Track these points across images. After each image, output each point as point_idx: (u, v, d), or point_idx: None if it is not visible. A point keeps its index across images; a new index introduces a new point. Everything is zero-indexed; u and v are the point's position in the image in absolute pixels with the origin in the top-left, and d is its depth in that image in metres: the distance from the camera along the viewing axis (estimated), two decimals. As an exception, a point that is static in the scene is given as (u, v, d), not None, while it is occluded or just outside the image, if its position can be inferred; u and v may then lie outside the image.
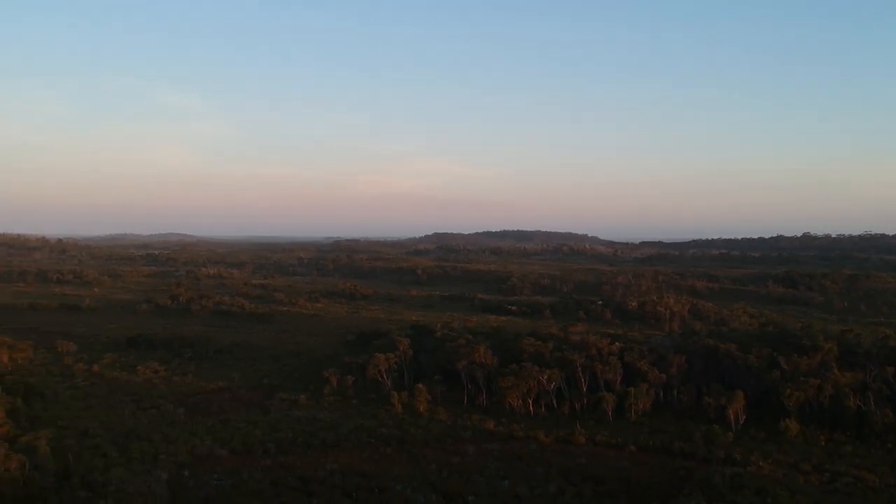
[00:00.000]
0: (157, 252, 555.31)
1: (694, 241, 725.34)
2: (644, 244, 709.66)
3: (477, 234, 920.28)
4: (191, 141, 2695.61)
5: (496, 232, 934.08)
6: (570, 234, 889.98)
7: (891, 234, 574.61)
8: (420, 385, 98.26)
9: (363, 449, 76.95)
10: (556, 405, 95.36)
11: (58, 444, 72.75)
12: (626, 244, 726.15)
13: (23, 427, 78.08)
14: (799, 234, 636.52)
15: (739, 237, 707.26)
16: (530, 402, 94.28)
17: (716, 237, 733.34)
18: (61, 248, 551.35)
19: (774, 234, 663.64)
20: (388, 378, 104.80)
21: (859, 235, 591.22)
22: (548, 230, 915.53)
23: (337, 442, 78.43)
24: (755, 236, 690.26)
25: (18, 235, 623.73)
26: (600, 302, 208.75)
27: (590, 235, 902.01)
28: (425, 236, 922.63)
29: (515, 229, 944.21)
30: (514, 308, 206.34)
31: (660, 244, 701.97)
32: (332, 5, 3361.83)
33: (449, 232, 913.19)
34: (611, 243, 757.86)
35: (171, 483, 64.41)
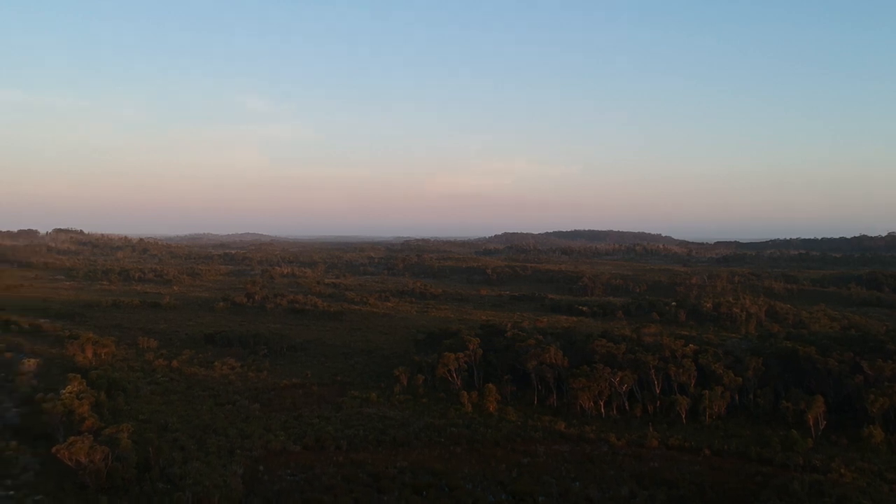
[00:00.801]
0: (233, 251, 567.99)
1: (771, 241, 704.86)
2: (719, 244, 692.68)
3: (547, 233, 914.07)
4: (266, 143, 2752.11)
5: (567, 232, 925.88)
6: (643, 233, 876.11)
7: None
8: (490, 385, 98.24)
9: (433, 447, 77.38)
10: (628, 407, 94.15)
11: (139, 437, 75.29)
12: (701, 244, 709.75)
13: (106, 420, 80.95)
14: (884, 234, 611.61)
15: (819, 237, 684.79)
16: (602, 403, 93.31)
17: (794, 237, 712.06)
18: (143, 248, 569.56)
19: (857, 234, 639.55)
20: (457, 377, 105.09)
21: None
22: (620, 230, 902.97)
23: (407, 440, 79.08)
24: (836, 236, 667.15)
25: (102, 235, 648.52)
26: (674, 303, 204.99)
27: (663, 235, 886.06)
28: (495, 236, 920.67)
29: (587, 229, 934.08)
30: (585, 308, 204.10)
31: (736, 244, 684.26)
32: (403, 8, 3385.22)
33: (519, 231, 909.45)
34: (685, 243, 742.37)
35: (246, 477, 65.97)
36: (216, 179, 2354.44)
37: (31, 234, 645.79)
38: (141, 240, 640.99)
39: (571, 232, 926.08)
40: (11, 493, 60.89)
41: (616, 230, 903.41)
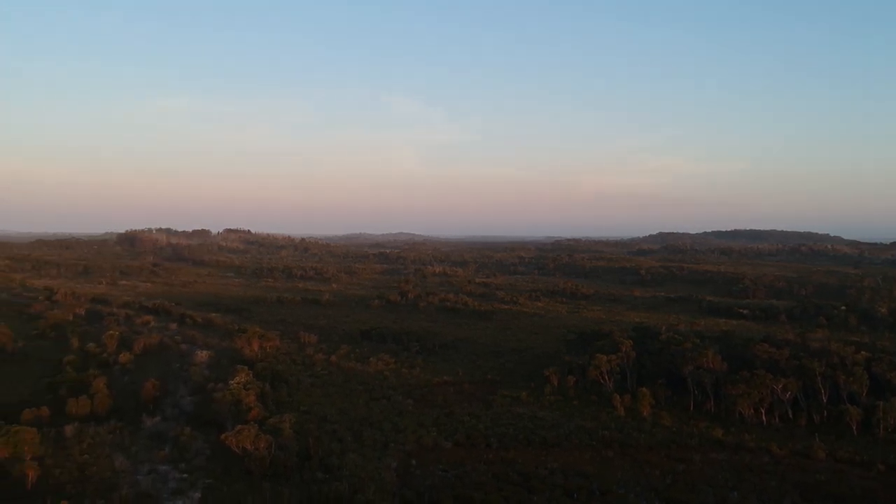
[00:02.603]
0: (387, 251, 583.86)
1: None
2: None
3: (705, 233, 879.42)
4: (421, 145, 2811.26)
5: (726, 231, 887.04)
6: (808, 233, 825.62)
7: None
8: (643, 388, 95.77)
9: (584, 450, 76.34)
10: (791, 416, 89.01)
11: (300, 427, 78.79)
12: (875, 244, 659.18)
13: (270, 410, 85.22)
14: None
15: None
16: (762, 411, 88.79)
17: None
18: (304, 247, 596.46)
19: None
20: (609, 380, 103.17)
21: None
22: (784, 229, 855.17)
23: (558, 441, 78.44)
24: None
25: (268, 235, 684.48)
26: (844, 307, 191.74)
27: (832, 235, 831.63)
28: (649, 236, 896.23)
29: (748, 228, 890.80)
30: (745, 311, 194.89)
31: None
32: (552, 10, 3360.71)
33: (675, 231, 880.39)
34: (856, 243, 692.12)
35: (399, 470, 67.61)
36: (373, 181, 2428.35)
37: (203, 233, 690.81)
38: (302, 239, 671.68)
39: (731, 231, 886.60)
40: (185, 475, 65.30)
41: (779, 230, 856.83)
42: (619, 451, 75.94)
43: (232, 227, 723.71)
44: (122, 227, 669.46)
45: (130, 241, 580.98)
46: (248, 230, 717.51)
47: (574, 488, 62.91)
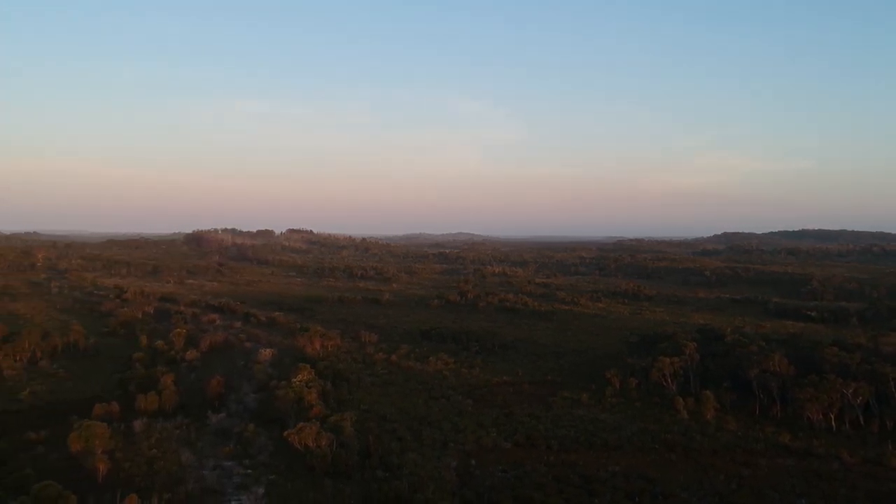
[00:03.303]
0: (447, 251, 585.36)
1: None
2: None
3: (772, 233, 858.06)
4: (481, 145, 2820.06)
5: (794, 231, 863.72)
6: (881, 233, 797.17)
7: None
8: (707, 392, 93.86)
9: (646, 453, 75.22)
10: (862, 422, 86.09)
11: (360, 425, 79.51)
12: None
13: (331, 408, 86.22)
14: None
15: None
16: (832, 416, 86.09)
17: None
18: (365, 247, 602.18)
19: None
20: (672, 382, 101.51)
21: None
22: (855, 229, 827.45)
23: (619, 443, 77.46)
24: None
25: (329, 235, 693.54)
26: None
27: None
28: (714, 236, 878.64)
29: (816, 228, 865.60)
30: (813, 314, 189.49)
31: None
32: (614, 9, 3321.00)
33: (740, 231, 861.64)
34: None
35: (459, 470, 67.64)
36: (433, 181, 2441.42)
37: (267, 234, 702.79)
38: (363, 239, 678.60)
39: (798, 231, 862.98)
40: (249, 471, 66.51)
41: (850, 229, 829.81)
42: (682, 454, 74.61)
43: (295, 228, 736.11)
44: (189, 228, 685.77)
45: (197, 241, 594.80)
46: (311, 230, 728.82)
47: (636, 491, 62.06)
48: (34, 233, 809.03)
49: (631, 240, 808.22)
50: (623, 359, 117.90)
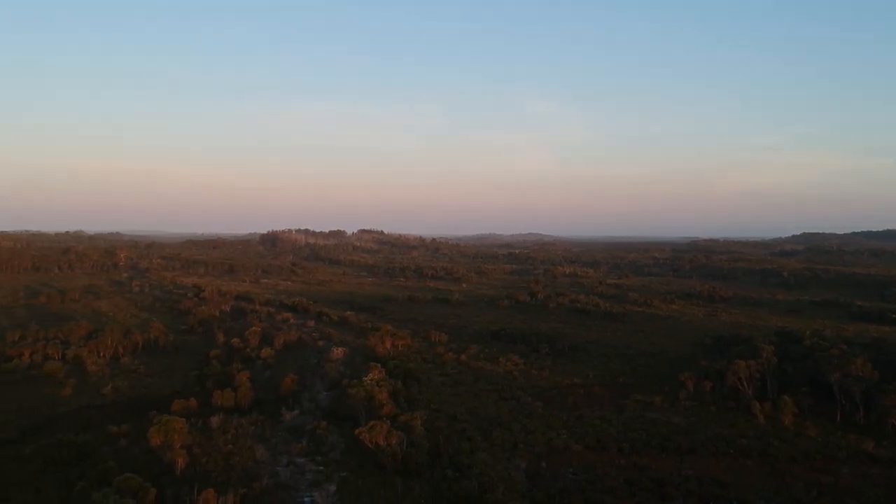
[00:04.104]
0: (517, 251, 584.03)
1: None
2: None
3: (854, 233, 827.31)
4: (552, 145, 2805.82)
5: (878, 231, 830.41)
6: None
7: None
8: (786, 396, 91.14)
9: (721, 458, 73.51)
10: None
11: (430, 425, 79.82)
12: None
13: (401, 407, 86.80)
14: None
15: None
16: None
17: None
18: (435, 247, 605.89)
19: None
20: (748, 386, 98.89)
21: None
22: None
23: (692, 448, 75.88)
24: None
25: (400, 235, 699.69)
26: None
27: None
28: (792, 236, 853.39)
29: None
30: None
31: None
32: (688, 5, 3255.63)
33: (820, 231, 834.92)
34: None
35: (528, 471, 67.35)
36: (503, 181, 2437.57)
37: (339, 234, 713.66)
38: (433, 240, 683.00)
39: (882, 231, 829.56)
40: (321, 468, 67.54)
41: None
42: (759, 460, 72.64)
43: (366, 228, 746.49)
44: (264, 228, 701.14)
45: (272, 241, 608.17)
46: (381, 231, 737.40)
47: (710, 497, 60.67)
48: (117, 233, 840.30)
49: (706, 240, 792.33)
50: (697, 361, 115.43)
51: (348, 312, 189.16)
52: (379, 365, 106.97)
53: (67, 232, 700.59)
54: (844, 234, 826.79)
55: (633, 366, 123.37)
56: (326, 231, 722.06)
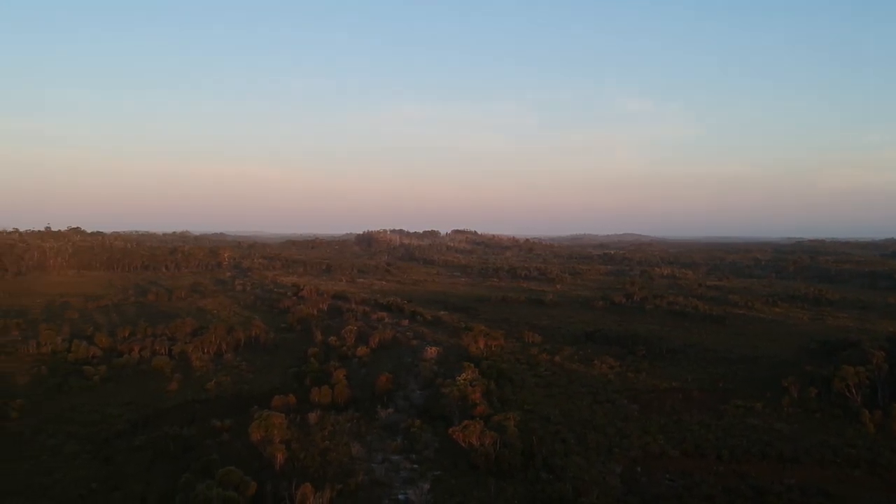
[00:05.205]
0: (612, 251, 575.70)
1: None
2: None
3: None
4: (648, 143, 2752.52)
5: None
6: None
7: None
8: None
9: (826, 467, 70.58)
10: None
11: (523, 426, 79.52)
12: None
13: (494, 407, 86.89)
14: None
15: None
16: None
17: None
18: (529, 248, 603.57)
19: None
20: (857, 393, 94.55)
21: None
22: None
23: (796, 456, 73.13)
24: None
25: (493, 236, 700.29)
26: None
27: None
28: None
29: None
30: None
31: None
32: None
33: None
34: None
35: (623, 476, 66.40)
36: (597, 181, 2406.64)
37: (433, 234, 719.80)
38: (527, 240, 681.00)
39: None
40: (416, 466, 68.37)
41: None
42: (868, 471, 69.37)
43: (459, 228, 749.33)
44: (359, 229, 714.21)
45: (367, 241, 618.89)
46: (475, 231, 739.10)
47: (814, 508, 58.50)
48: (221, 234, 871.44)
49: (811, 240, 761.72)
50: (801, 367, 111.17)
51: (442, 312, 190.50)
52: (472, 364, 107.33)
53: (174, 232, 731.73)
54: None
55: (733, 370, 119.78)
56: (420, 231, 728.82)
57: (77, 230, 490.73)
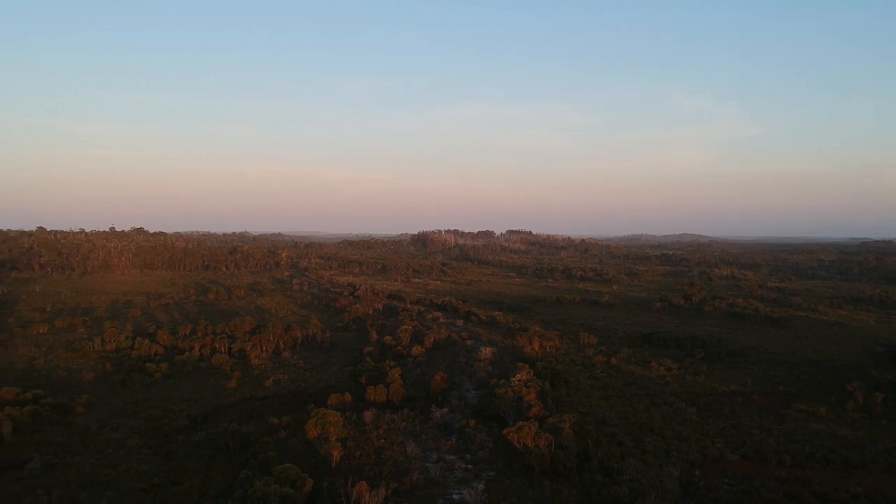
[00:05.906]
0: (670, 252, 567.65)
1: None
2: None
3: None
4: (707, 142, 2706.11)
5: None
6: None
7: None
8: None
9: (894, 475, 68.47)
10: None
11: (579, 428, 78.86)
12: None
13: (549, 409, 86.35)
14: None
15: None
16: None
17: None
18: (584, 248, 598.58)
19: None
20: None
21: None
22: None
23: (861, 463, 71.08)
24: None
25: (548, 236, 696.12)
26: None
27: None
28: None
29: None
30: None
31: None
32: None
33: None
34: None
35: (681, 480, 65.32)
36: (655, 180, 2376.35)
37: (488, 234, 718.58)
38: (583, 240, 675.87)
39: None
40: (470, 466, 68.29)
41: None
42: (938, 480, 67.16)
43: (514, 229, 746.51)
44: (415, 229, 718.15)
45: (422, 241, 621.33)
46: (530, 231, 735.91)
47: (881, 517, 56.76)
48: (279, 234, 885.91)
49: (878, 241, 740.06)
50: (867, 371, 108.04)
51: (496, 312, 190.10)
52: (527, 365, 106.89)
53: (234, 233, 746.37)
54: None
55: (795, 374, 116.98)
56: (475, 231, 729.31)
57: (140, 230, 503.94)
